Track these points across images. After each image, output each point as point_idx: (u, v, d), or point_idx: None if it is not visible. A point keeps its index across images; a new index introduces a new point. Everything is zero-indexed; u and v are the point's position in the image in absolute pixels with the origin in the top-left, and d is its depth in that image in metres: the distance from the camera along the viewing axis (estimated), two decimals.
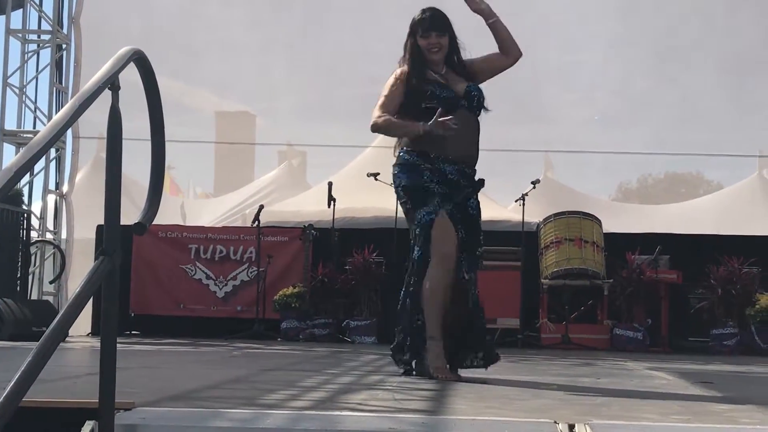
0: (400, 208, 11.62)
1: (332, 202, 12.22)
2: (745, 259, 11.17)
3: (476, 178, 5.34)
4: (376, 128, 5.30)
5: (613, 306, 11.40)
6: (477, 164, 5.35)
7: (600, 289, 11.42)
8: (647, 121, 17.25)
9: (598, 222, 11.76)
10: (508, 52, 5.35)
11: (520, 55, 5.37)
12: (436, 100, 5.17)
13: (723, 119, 16.93)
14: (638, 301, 11.30)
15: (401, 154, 5.29)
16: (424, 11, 5.31)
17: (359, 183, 13.80)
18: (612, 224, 13.32)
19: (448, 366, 5.08)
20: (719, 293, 11.11)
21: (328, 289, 11.92)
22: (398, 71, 5.31)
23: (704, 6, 16.25)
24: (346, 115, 17.93)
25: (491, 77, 5.44)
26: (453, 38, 5.33)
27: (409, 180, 5.21)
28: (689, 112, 17.31)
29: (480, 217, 5.36)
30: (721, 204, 17.77)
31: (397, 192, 5.33)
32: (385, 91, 5.30)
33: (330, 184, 12.47)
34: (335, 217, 12.37)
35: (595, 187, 19.47)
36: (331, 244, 12.21)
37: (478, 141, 5.33)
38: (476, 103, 5.28)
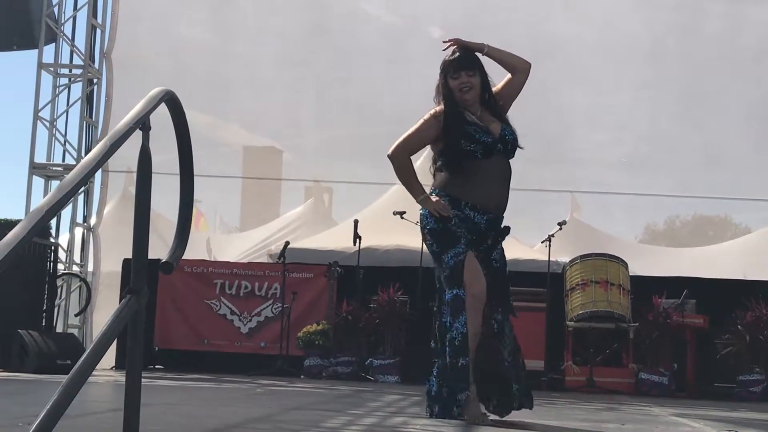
0: (425, 247, 11.65)
1: (358, 240, 12.24)
2: None
3: (502, 225, 5.29)
4: (394, 159, 5.29)
5: (639, 350, 11.32)
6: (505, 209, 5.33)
7: (625, 332, 11.35)
8: (675, 163, 17.19)
9: (625, 265, 11.71)
10: (515, 71, 5.36)
11: (528, 65, 5.37)
12: (475, 144, 5.15)
13: (751, 163, 16.86)
14: (664, 346, 11.21)
15: (432, 195, 5.25)
16: (453, 52, 5.30)
17: (385, 221, 13.80)
18: (638, 266, 13.25)
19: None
20: (746, 339, 11.02)
21: (352, 326, 11.90)
22: (436, 109, 5.27)
23: (731, 52, 16.26)
24: (373, 153, 17.91)
25: (513, 100, 5.41)
26: (484, 76, 5.30)
27: (437, 223, 5.17)
28: (717, 156, 17.26)
29: (505, 268, 5.33)
30: (748, 248, 17.63)
31: (423, 234, 5.31)
32: (417, 125, 5.27)
33: (356, 222, 12.49)
34: (360, 254, 12.38)
35: (622, 229, 19.36)
36: (355, 281, 12.21)
37: (509, 187, 5.30)
38: (510, 147, 5.26)
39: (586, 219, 18.09)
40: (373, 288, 12.02)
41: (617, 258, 11.79)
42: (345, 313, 11.93)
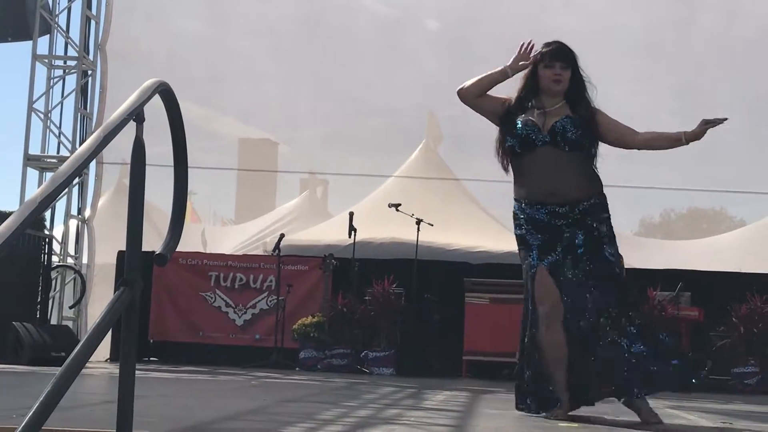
0: (421, 239, 11.64)
1: (353, 232, 12.22)
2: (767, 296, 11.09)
3: (580, 207, 5.12)
4: (462, 88, 5.16)
5: None
6: (584, 196, 5.15)
7: None
8: (670, 156, 17.20)
9: (620, 257, 11.67)
10: (649, 146, 5.42)
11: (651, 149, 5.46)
12: (512, 138, 5.09)
13: (746, 156, 16.90)
14: None
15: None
16: (549, 43, 5.20)
17: (380, 213, 13.80)
18: (633, 259, 13.24)
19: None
20: (741, 331, 11.02)
21: (347, 319, 11.89)
22: (511, 97, 5.21)
23: (727, 45, 16.28)
24: (368, 145, 17.97)
25: (602, 139, 5.23)
26: (576, 73, 5.18)
27: (516, 229, 5.21)
28: (713, 149, 17.28)
29: (599, 245, 5.21)
30: (743, 240, 17.65)
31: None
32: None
33: (351, 214, 12.47)
34: (356, 247, 12.36)
35: (617, 222, 19.34)
36: (351, 274, 12.19)
37: (567, 175, 5.08)
38: (560, 138, 5.05)
39: None
40: (368, 280, 12.01)
41: None
42: (340, 305, 11.91)
